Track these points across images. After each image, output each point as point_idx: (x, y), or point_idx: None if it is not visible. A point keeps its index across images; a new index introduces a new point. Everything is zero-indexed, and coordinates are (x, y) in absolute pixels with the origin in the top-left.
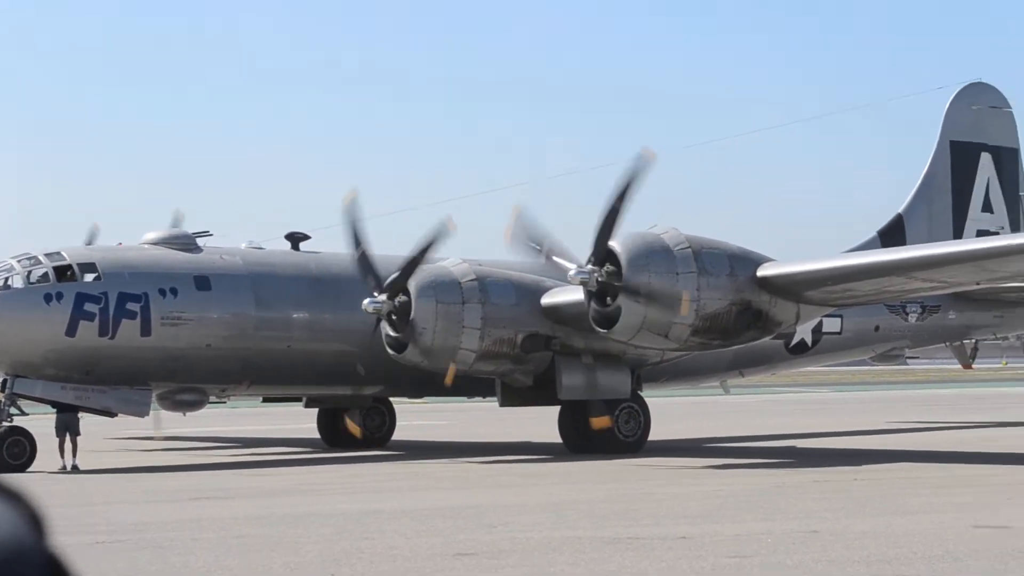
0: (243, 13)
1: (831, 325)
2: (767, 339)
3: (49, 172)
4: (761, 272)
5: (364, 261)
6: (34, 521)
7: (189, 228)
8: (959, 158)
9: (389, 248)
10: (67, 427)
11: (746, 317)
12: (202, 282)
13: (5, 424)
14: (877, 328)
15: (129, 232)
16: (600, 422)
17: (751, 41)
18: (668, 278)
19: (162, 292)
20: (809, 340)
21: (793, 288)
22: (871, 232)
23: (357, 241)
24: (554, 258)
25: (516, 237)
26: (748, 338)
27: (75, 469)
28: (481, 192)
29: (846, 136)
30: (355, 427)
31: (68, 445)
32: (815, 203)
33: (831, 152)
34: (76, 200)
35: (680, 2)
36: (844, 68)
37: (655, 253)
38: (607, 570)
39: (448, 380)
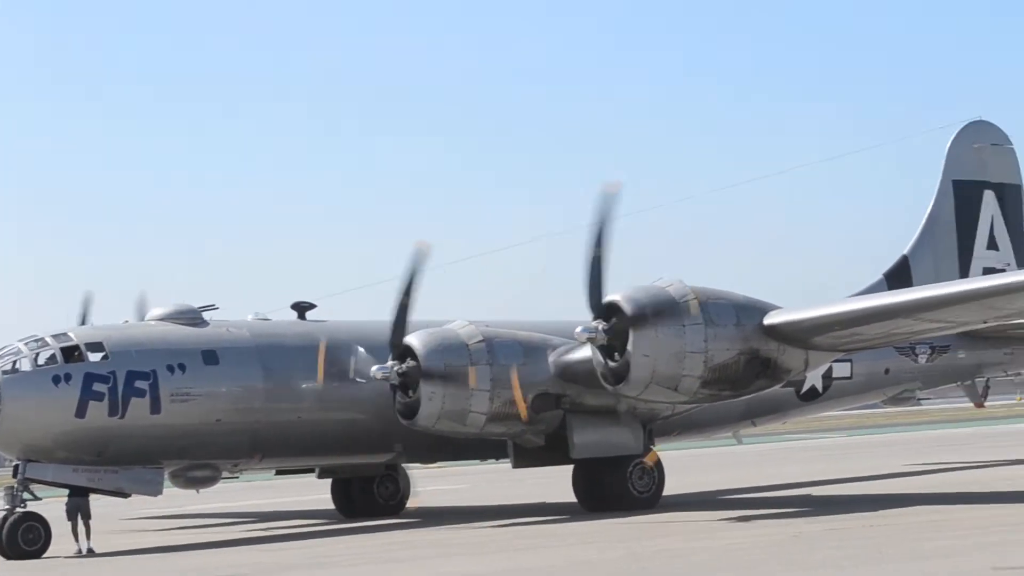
0: (250, 80)
1: (841, 370)
2: (777, 387)
3: (41, 242)
4: (768, 320)
5: (402, 313)
6: None
7: (193, 302)
8: (962, 197)
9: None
10: (79, 510)
11: (755, 366)
12: (210, 356)
13: (19, 510)
14: (887, 371)
15: (129, 306)
16: (651, 457)
17: (749, 87)
18: (675, 331)
19: (170, 368)
20: (820, 386)
21: (801, 335)
22: (877, 275)
23: (407, 290)
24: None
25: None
26: (758, 387)
27: (91, 552)
28: (482, 253)
29: (848, 179)
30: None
31: (81, 528)
32: (819, 248)
33: (834, 196)
34: (70, 273)
35: (676, 44)
36: (844, 111)
37: (660, 304)
38: None
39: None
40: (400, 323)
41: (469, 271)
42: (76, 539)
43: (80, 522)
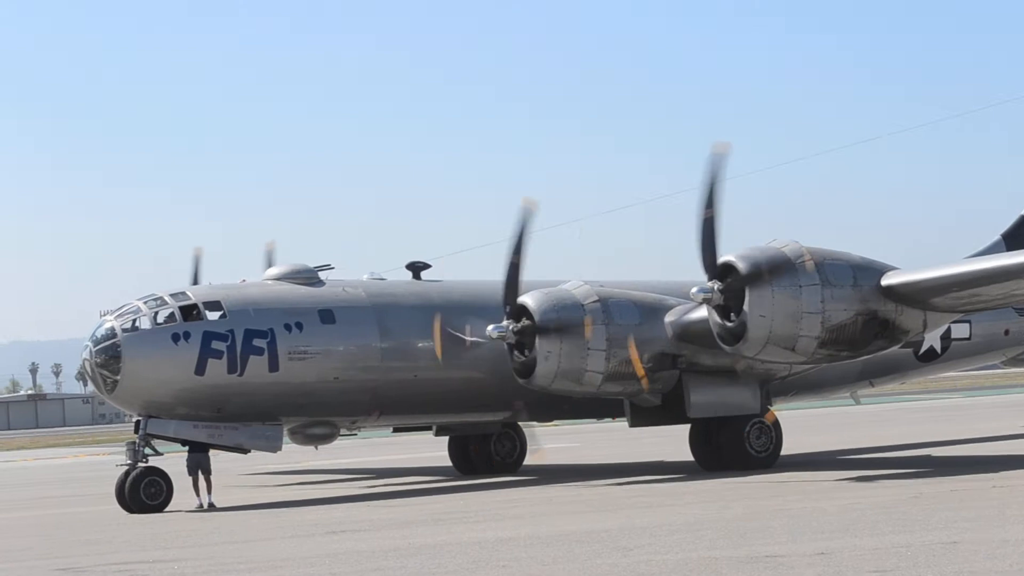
0: (368, 48)
1: (960, 331)
2: (895, 348)
3: (161, 209)
4: (885, 281)
5: (513, 272)
6: None
7: (310, 263)
8: None
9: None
10: (199, 466)
11: (873, 327)
12: (326, 315)
13: (141, 465)
14: (1007, 332)
15: (247, 269)
16: (769, 416)
17: (863, 48)
18: (792, 291)
19: (287, 327)
20: (938, 347)
21: (919, 296)
22: (995, 235)
23: (517, 249)
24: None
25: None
26: (876, 348)
27: (211, 507)
28: (598, 214)
29: (965, 140)
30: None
31: (202, 483)
32: (937, 209)
33: (951, 157)
34: (188, 238)
35: (795, 13)
36: (960, 72)
37: (776, 266)
38: None
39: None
40: (512, 283)
41: (583, 232)
42: (197, 494)
43: (201, 477)
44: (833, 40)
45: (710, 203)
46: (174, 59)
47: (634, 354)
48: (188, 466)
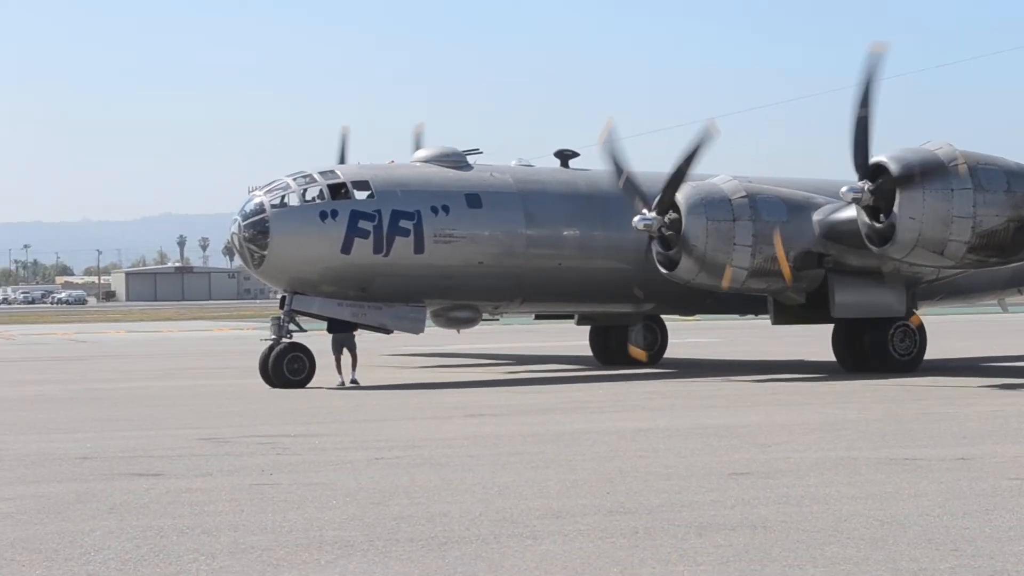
0: None
1: None
2: None
3: (311, 87)
4: None
5: (629, 186)
6: None
7: (459, 147)
8: None
9: (652, 166)
10: (343, 344)
11: None
12: (473, 200)
13: (285, 340)
14: None
15: (392, 147)
16: (914, 320)
17: None
18: (943, 194)
19: (434, 210)
20: None
21: None
22: None
23: (619, 169)
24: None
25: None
26: None
27: (354, 384)
28: (742, 111)
29: None
30: (639, 352)
31: (346, 360)
32: None
33: None
34: (337, 118)
35: None
36: None
37: (929, 169)
38: (884, 491)
39: (725, 284)
40: (676, 181)
41: (735, 127)
42: (339, 372)
43: (345, 354)
44: None
45: (865, 102)
46: None
47: (780, 250)
48: (332, 344)
